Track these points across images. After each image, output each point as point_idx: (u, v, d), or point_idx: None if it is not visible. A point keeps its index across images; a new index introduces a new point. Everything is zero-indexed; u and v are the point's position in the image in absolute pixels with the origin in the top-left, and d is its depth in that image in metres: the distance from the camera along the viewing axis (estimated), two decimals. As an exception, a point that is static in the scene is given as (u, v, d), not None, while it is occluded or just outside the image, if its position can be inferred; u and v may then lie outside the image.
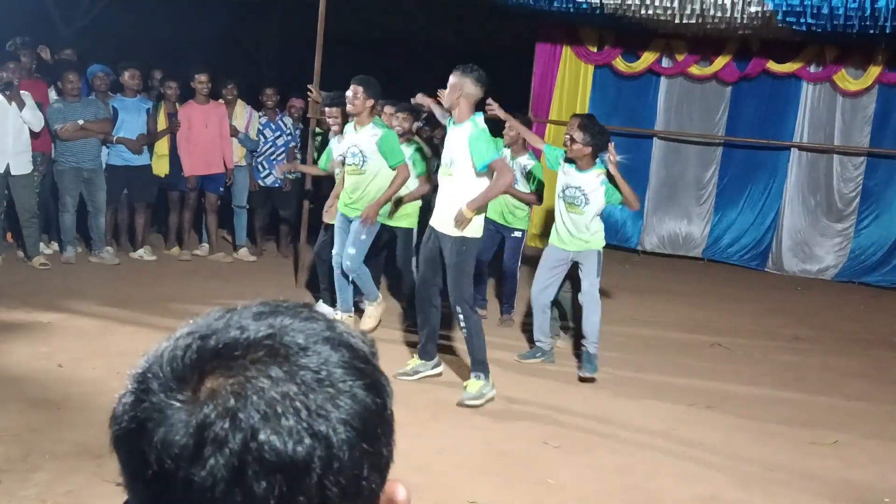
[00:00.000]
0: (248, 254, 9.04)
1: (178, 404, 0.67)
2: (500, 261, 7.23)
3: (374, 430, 0.71)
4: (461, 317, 5.26)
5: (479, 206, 5.19)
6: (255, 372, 0.68)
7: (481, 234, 5.37)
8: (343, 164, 6.54)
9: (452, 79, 5.17)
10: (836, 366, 6.70)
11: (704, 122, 10.84)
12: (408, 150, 6.70)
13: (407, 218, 6.86)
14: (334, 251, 6.59)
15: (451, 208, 5.19)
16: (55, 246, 8.41)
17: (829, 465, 4.67)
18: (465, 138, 5.13)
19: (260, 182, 9.10)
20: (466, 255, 5.26)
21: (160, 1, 13.95)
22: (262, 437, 0.65)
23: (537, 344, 6.20)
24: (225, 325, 0.72)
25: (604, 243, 5.96)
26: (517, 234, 7.06)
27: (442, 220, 5.29)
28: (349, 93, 6.21)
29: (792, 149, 10.46)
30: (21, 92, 7.53)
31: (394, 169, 6.21)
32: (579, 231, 5.88)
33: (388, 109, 6.93)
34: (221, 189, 8.91)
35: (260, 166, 9.08)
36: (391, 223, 6.78)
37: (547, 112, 11.14)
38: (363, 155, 6.27)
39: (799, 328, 7.81)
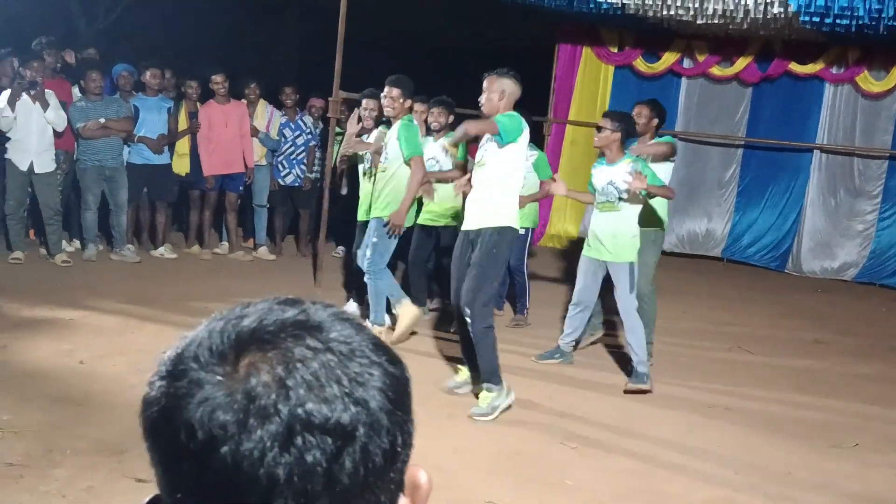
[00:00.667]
0: (267, 252, 9.09)
1: (219, 377, 0.67)
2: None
3: (403, 399, 0.73)
4: (469, 320, 4.89)
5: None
6: (293, 344, 0.69)
7: (518, 226, 5.09)
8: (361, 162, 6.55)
9: (491, 84, 4.93)
10: (855, 369, 6.65)
11: (725, 123, 10.79)
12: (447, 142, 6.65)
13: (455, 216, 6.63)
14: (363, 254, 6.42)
15: (485, 205, 4.96)
16: (77, 244, 8.49)
17: (848, 470, 4.63)
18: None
19: (280, 181, 9.14)
20: (498, 249, 4.91)
21: (180, 1, 14.03)
22: (309, 405, 0.66)
23: (560, 344, 6.07)
24: (252, 313, 0.73)
25: (635, 256, 5.62)
26: (521, 231, 6.94)
27: (476, 216, 5.01)
28: (385, 94, 6.04)
29: (814, 151, 10.39)
30: (45, 91, 7.61)
31: (407, 163, 6.03)
32: (612, 235, 5.59)
33: (418, 107, 6.84)
34: (242, 188, 8.96)
35: (280, 165, 9.12)
36: (441, 223, 6.74)
37: (567, 113, 11.13)
38: (386, 153, 6.17)
39: (818, 331, 7.75)
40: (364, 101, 7.04)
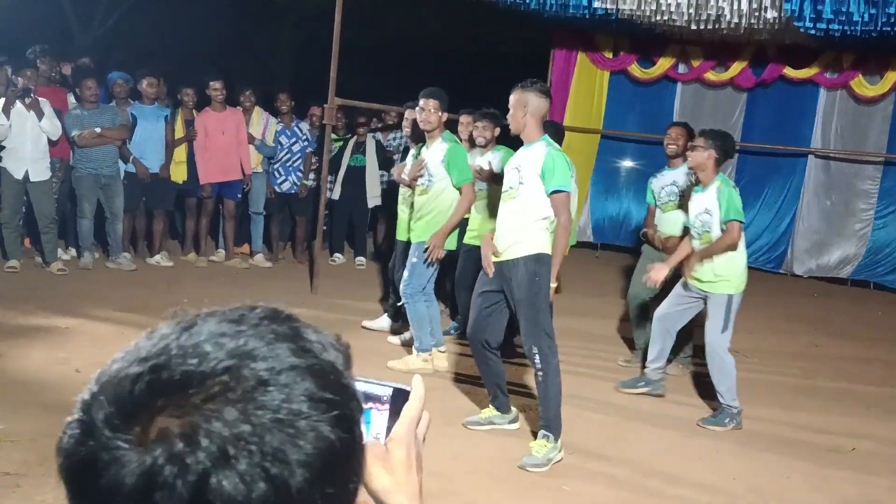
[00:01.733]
0: (263, 259, 9.08)
1: (125, 445, 0.64)
2: None
3: (338, 467, 0.69)
4: (537, 358, 4.47)
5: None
6: (209, 412, 0.65)
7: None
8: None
9: (514, 97, 4.62)
10: (853, 373, 6.65)
11: (720, 128, 10.79)
12: (495, 157, 6.33)
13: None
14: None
15: (516, 233, 4.58)
16: (73, 252, 8.47)
17: (847, 474, 4.63)
18: (540, 158, 4.55)
19: (276, 188, 9.14)
20: (541, 279, 4.52)
21: (176, 9, 14.04)
22: (212, 481, 0.63)
23: (645, 371, 5.70)
24: (181, 350, 0.68)
25: (738, 288, 5.15)
26: None
27: (507, 246, 4.61)
28: (421, 107, 5.79)
29: (809, 156, 10.42)
30: (39, 99, 7.59)
31: (458, 188, 5.78)
32: (710, 265, 5.17)
33: (464, 119, 6.68)
34: (239, 195, 8.95)
35: (276, 173, 9.12)
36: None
37: (562, 118, 11.14)
38: (429, 173, 5.87)
39: (816, 335, 7.76)
40: (407, 112, 6.64)
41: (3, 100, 7.46)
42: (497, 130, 6.47)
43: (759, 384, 6.17)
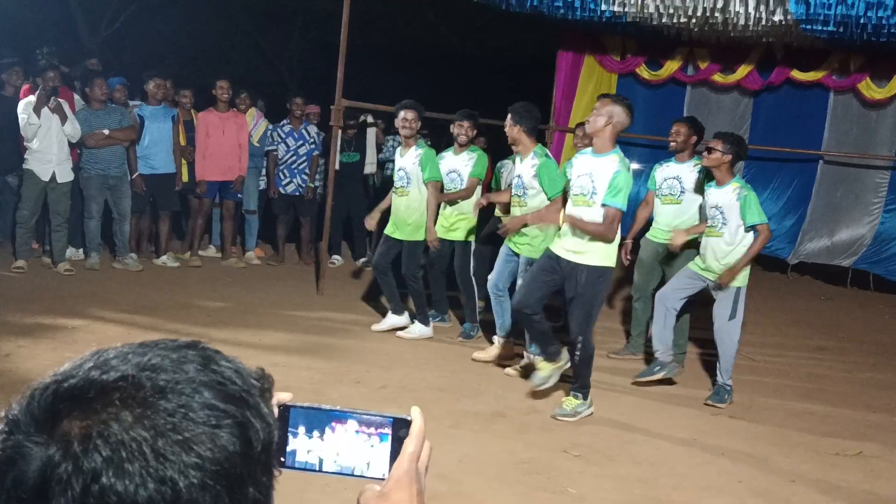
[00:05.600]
0: (254, 257, 9.15)
1: (32, 446, 0.69)
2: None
3: (235, 472, 0.72)
4: (580, 345, 5.11)
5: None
6: (106, 416, 0.69)
7: (615, 263, 5.18)
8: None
9: (602, 105, 4.97)
10: (860, 377, 6.63)
11: (728, 130, 10.76)
12: (471, 159, 6.80)
13: (465, 231, 6.82)
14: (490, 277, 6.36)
15: (587, 241, 4.99)
16: (80, 252, 8.49)
17: (853, 477, 4.61)
18: (611, 172, 4.92)
19: (281, 190, 9.15)
20: (602, 285, 5.13)
21: (184, 11, 14.06)
22: (103, 480, 0.67)
23: (656, 356, 5.89)
24: (91, 365, 0.74)
25: (745, 281, 5.60)
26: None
27: (576, 249, 5.04)
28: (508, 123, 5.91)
29: (818, 160, 10.38)
30: (61, 102, 7.62)
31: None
32: (717, 259, 5.57)
33: (461, 123, 6.89)
34: (239, 195, 8.99)
35: (281, 174, 9.13)
36: (449, 237, 6.79)
37: (567, 121, 11.13)
38: (524, 185, 6.00)
39: (823, 339, 7.74)
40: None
41: (31, 99, 7.47)
42: (474, 131, 6.90)
43: (765, 387, 6.16)
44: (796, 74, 10.08)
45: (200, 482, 0.69)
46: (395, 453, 0.96)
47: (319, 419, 0.96)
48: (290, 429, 0.95)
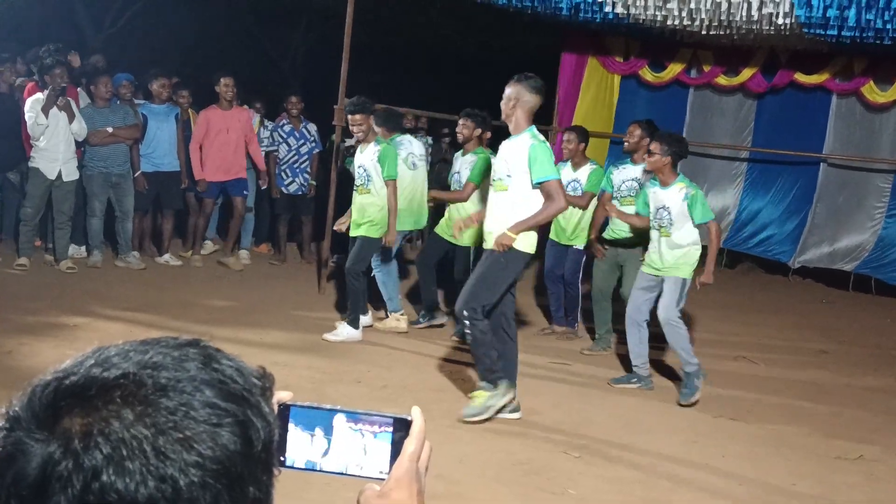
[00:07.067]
0: (247, 256, 9.13)
1: (33, 443, 0.69)
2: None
3: (235, 471, 0.72)
4: (467, 322, 4.89)
5: (523, 230, 4.83)
6: (107, 413, 0.70)
7: (532, 251, 4.99)
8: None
9: (508, 89, 4.95)
10: (861, 381, 6.62)
11: (731, 133, 10.78)
12: (472, 161, 6.76)
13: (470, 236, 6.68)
14: None
15: (505, 224, 4.87)
16: (82, 250, 8.50)
17: (854, 481, 4.61)
18: (524, 150, 4.85)
19: (283, 189, 9.15)
20: (503, 267, 4.89)
21: (188, 9, 14.06)
22: (104, 478, 0.67)
23: (634, 369, 5.91)
24: (92, 363, 0.74)
25: (691, 273, 5.62)
26: (578, 247, 7.03)
27: (493, 236, 4.95)
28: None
29: (821, 163, 10.37)
30: (69, 100, 7.62)
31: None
32: (669, 254, 5.62)
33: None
34: (246, 192, 8.94)
35: (283, 174, 9.13)
36: (459, 242, 6.70)
37: (570, 122, 11.12)
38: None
39: (824, 342, 7.73)
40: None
41: (39, 97, 7.47)
42: (478, 131, 6.82)
43: (766, 389, 6.16)
44: (800, 77, 10.07)
45: (201, 481, 0.69)
46: (395, 453, 0.96)
47: (320, 418, 0.96)
48: (290, 428, 0.95)
